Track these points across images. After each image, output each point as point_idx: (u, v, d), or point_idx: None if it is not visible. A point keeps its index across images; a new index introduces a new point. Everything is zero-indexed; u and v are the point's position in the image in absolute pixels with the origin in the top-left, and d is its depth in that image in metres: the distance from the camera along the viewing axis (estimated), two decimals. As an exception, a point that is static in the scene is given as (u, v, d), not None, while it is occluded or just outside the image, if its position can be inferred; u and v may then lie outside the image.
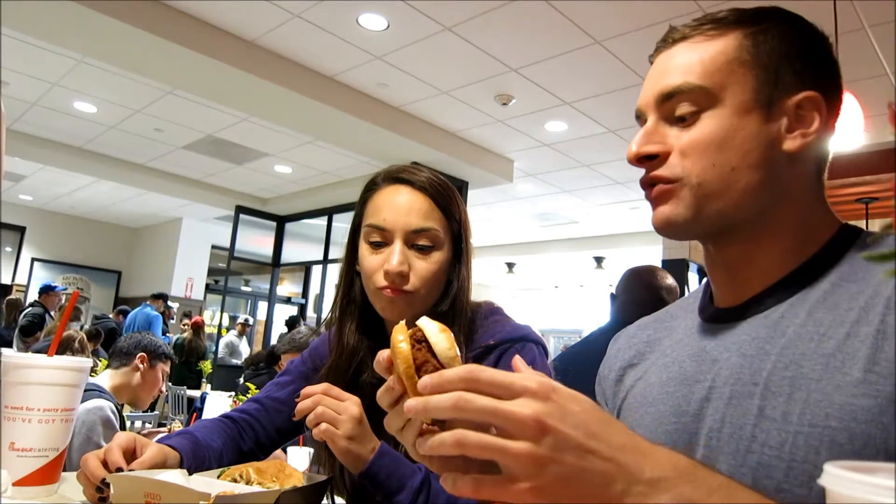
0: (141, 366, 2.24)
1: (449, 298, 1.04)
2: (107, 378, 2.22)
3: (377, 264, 1.00)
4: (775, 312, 0.65)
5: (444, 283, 1.04)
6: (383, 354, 0.56)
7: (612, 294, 2.31)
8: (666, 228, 0.69)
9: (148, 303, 7.91)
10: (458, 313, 1.03)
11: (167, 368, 2.36)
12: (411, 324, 0.57)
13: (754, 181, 0.65)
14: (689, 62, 0.68)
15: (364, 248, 1.03)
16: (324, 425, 0.87)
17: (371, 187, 1.07)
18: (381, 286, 0.99)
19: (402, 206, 1.01)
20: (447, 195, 1.05)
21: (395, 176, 1.05)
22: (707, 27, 0.69)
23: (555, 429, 0.45)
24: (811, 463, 0.55)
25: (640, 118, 0.72)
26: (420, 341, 0.55)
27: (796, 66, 0.67)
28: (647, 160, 0.69)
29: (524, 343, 1.01)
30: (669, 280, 2.22)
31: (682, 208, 0.67)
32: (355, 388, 1.01)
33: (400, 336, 0.55)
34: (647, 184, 0.70)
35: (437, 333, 0.55)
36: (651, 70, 0.72)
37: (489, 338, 1.01)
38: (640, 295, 2.18)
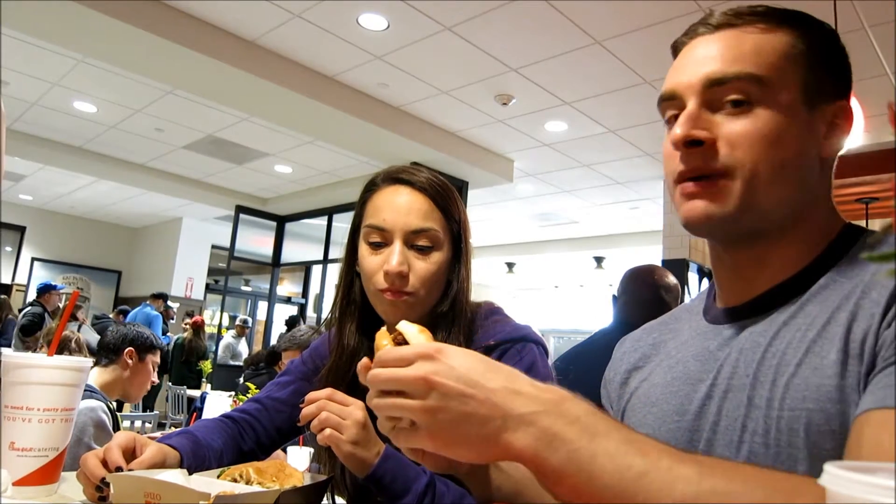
0: (130, 361, 2.16)
1: (449, 299, 1.04)
2: (95, 376, 2.13)
3: (377, 265, 1.00)
4: (775, 311, 0.66)
5: (443, 283, 1.04)
6: (362, 363, 0.61)
7: (613, 296, 2.31)
8: (700, 223, 0.66)
9: (148, 302, 7.91)
10: (457, 314, 1.03)
11: (157, 359, 2.26)
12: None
13: (797, 181, 0.65)
14: (741, 51, 0.65)
15: (364, 249, 1.03)
16: (328, 431, 0.87)
17: (370, 188, 1.07)
18: (382, 288, 0.99)
19: (401, 207, 1.01)
20: (447, 195, 1.04)
21: (394, 176, 1.05)
22: (755, 19, 0.67)
23: (439, 383, 0.53)
24: (794, 447, 0.57)
25: (672, 100, 0.69)
26: (401, 344, 0.59)
27: (834, 75, 0.67)
28: (691, 145, 0.65)
29: (524, 343, 1.01)
30: (669, 278, 2.21)
31: (730, 204, 0.64)
32: (356, 389, 1.01)
33: (384, 341, 0.60)
34: (691, 175, 0.66)
35: (417, 335, 0.60)
36: (689, 52, 0.69)
37: (489, 338, 1.01)
38: (641, 295, 2.17)
